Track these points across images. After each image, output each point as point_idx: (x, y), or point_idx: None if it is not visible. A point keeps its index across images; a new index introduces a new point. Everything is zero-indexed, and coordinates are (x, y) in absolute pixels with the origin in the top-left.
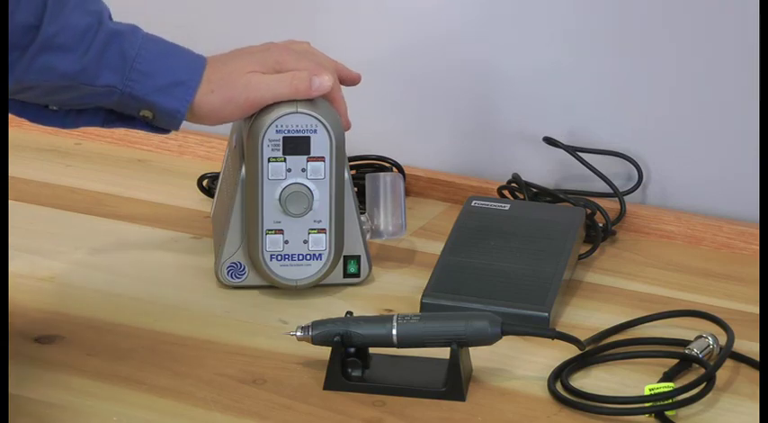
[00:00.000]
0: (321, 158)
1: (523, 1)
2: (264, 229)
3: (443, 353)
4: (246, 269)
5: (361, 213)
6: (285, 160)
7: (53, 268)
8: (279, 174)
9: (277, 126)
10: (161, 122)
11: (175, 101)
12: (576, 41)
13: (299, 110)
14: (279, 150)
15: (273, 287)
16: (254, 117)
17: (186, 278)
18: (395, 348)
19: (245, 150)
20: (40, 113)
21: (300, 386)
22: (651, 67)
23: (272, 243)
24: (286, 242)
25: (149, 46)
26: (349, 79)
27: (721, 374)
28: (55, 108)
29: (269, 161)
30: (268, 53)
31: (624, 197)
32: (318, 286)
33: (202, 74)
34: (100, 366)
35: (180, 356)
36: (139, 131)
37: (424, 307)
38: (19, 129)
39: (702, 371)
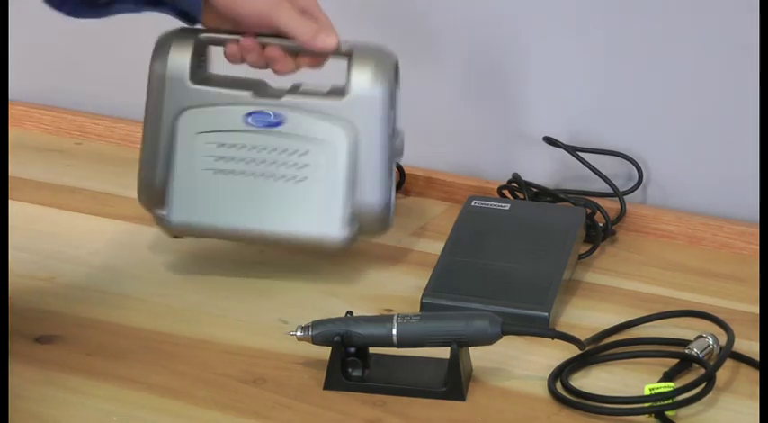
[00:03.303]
0: None
1: (524, 1)
2: None
3: (443, 353)
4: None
5: None
6: None
7: (53, 268)
8: None
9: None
10: (184, 2)
11: None
12: (576, 41)
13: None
14: None
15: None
16: None
17: (186, 278)
18: (395, 348)
19: None
20: (77, 7)
21: (300, 386)
22: (652, 67)
23: None
24: None
25: None
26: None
27: (721, 374)
28: None
29: None
30: None
31: (624, 197)
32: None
33: None
34: (100, 366)
35: (180, 356)
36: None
37: (424, 307)
38: (19, 129)
39: (702, 371)
